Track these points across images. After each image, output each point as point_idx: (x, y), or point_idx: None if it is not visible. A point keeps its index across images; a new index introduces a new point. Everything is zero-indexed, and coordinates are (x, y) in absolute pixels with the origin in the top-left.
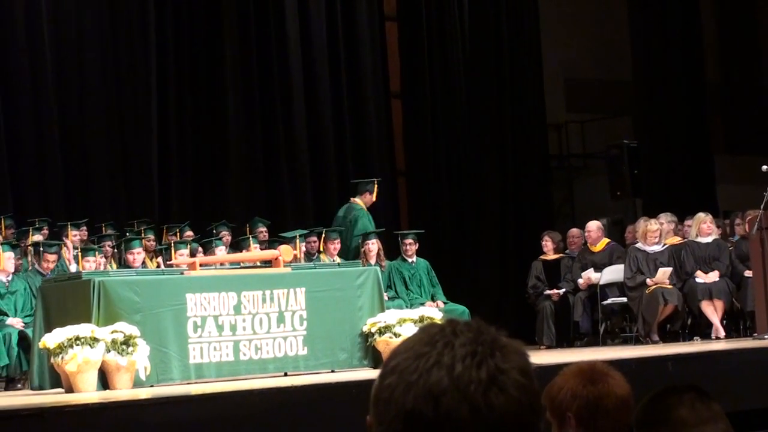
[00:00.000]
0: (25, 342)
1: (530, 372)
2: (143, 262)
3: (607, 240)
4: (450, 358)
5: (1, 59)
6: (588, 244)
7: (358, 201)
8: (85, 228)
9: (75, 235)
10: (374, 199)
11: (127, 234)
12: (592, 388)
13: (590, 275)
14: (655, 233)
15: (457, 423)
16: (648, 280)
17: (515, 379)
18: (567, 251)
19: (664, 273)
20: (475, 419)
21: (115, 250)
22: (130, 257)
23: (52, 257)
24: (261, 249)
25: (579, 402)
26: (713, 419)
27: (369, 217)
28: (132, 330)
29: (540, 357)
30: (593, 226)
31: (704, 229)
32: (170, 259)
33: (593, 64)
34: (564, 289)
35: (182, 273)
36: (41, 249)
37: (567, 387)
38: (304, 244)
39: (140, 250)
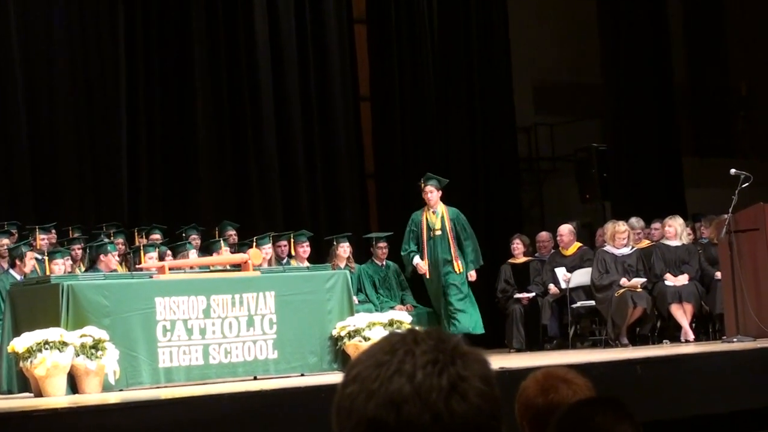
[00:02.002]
0: None
1: (491, 379)
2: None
3: (578, 244)
4: (411, 365)
5: None
6: (560, 248)
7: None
8: (53, 231)
9: (43, 239)
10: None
11: (102, 238)
12: (543, 399)
13: (561, 277)
14: (624, 234)
15: (419, 430)
16: (622, 281)
17: (476, 387)
18: (536, 254)
19: (633, 285)
20: (437, 426)
21: (86, 253)
22: (112, 259)
23: (30, 263)
24: (230, 252)
25: (531, 412)
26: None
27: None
28: (101, 334)
29: (509, 360)
30: (565, 229)
31: (676, 232)
32: (139, 263)
33: (562, 67)
34: (533, 293)
35: (151, 277)
36: (22, 253)
37: (524, 395)
38: (273, 247)
39: (116, 253)
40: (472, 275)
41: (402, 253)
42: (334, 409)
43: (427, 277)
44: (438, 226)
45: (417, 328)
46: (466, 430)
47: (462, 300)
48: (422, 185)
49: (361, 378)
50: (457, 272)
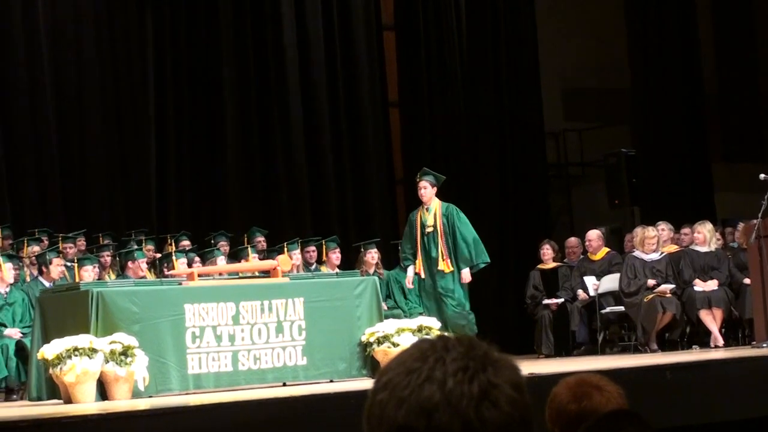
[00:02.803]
0: (22, 353)
1: (522, 386)
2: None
3: (607, 249)
4: (442, 373)
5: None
6: (588, 253)
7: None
8: (83, 239)
9: (72, 247)
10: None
11: (131, 244)
12: (575, 406)
13: (591, 285)
14: (653, 240)
15: None
16: (649, 281)
17: (507, 394)
18: (565, 260)
19: (664, 288)
20: None
21: (116, 260)
22: (142, 266)
23: (57, 270)
24: (259, 259)
25: (563, 418)
26: None
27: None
28: (130, 340)
29: (538, 366)
30: (594, 235)
31: (705, 238)
32: (169, 269)
33: (591, 73)
34: (562, 299)
35: (180, 283)
36: (48, 259)
37: (556, 402)
38: (301, 253)
39: (144, 260)
40: (465, 276)
41: (401, 257)
42: (365, 416)
43: (422, 277)
44: (431, 223)
45: (447, 334)
46: None
47: (455, 307)
48: (417, 180)
49: (391, 385)
50: (446, 271)
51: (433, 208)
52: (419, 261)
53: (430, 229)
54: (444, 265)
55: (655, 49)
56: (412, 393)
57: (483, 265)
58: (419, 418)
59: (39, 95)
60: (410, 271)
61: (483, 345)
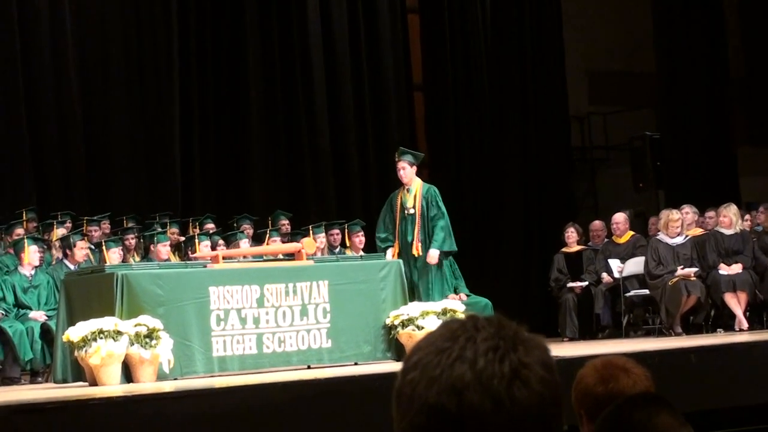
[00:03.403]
0: (48, 335)
1: (552, 366)
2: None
3: (631, 232)
4: (472, 352)
5: (24, 53)
6: (613, 236)
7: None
8: (107, 221)
9: (96, 230)
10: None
11: (156, 227)
12: (603, 388)
13: (615, 268)
14: (677, 223)
15: (481, 417)
16: (678, 270)
17: (537, 373)
18: (589, 243)
19: (688, 272)
20: (498, 413)
21: (140, 241)
22: (162, 249)
23: (81, 253)
24: (283, 242)
25: (589, 400)
26: (685, 425)
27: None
28: (155, 323)
29: (562, 349)
30: (620, 217)
31: (731, 221)
32: (193, 252)
33: (616, 56)
34: (586, 282)
35: (205, 266)
36: (72, 242)
37: (582, 384)
38: (326, 235)
39: (167, 243)
40: (431, 256)
41: (377, 239)
42: (395, 396)
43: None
44: (410, 204)
45: (477, 314)
46: (528, 417)
47: (427, 297)
48: (396, 161)
49: (422, 365)
50: (416, 255)
51: (414, 189)
52: (397, 245)
53: (411, 211)
54: (416, 250)
55: (681, 32)
56: (442, 372)
57: (450, 254)
58: (450, 398)
59: (64, 81)
60: (389, 253)
61: (513, 325)
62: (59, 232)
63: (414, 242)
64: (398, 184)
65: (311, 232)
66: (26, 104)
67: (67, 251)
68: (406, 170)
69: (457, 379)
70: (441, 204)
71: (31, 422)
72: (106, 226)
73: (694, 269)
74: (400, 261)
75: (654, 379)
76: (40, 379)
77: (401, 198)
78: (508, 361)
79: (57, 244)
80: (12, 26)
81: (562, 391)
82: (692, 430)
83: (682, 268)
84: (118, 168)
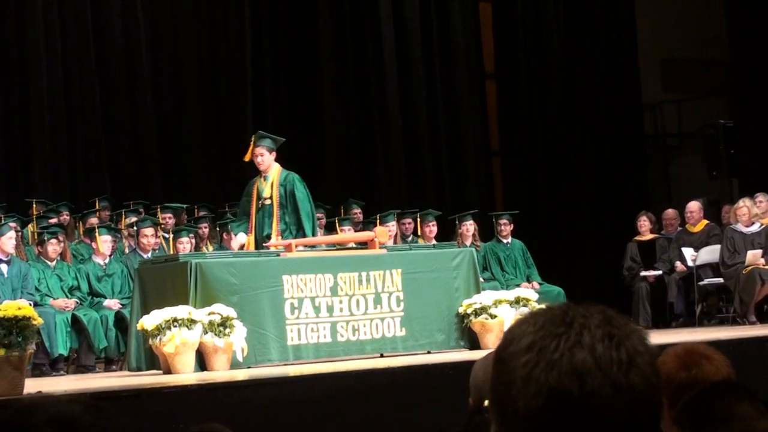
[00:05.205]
0: (122, 323)
1: (656, 355)
2: None
3: (705, 221)
4: (589, 338)
5: (97, 44)
6: (686, 225)
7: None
8: (183, 211)
9: (170, 217)
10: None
11: (229, 216)
12: (686, 374)
13: (689, 257)
14: (743, 211)
15: (600, 401)
16: (749, 254)
17: (649, 361)
18: (662, 232)
19: (754, 255)
20: (617, 398)
21: (217, 230)
22: (233, 238)
23: (153, 241)
24: (355, 230)
25: (671, 387)
26: (765, 416)
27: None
28: (229, 312)
29: None
30: (694, 206)
31: None
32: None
33: (689, 44)
34: (660, 271)
35: (278, 255)
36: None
37: (664, 370)
38: (397, 224)
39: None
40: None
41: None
42: (499, 379)
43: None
44: (267, 194)
45: (572, 303)
46: (642, 402)
47: None
48: (252, 145)
49: (537, 348)
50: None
51: (271, 177)
52: (251, 237)
53: (267, 202)
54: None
55: (754, 19)
56: (563, 356)
57: None
58: (572, 382)
59: (136, 69)
60: (242, 236)
61: (617, 314)
62: (132, 220)
63: (272, 236)
64: (469, 174)
65: (380, 220)
66: (100, 94)
67: (140, 240)
68: (265, 156)
69: (579, 363)
70: (303, 190)
71: (105, 410)
72: (183, 217)
73: (759, 251)
74: (473, 250)
75: (733, 367)
76: (114, 367)
77: (257, 187)
78: (624, 349)
79: (127, 232)
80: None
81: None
82: None
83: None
84: (191, 157)
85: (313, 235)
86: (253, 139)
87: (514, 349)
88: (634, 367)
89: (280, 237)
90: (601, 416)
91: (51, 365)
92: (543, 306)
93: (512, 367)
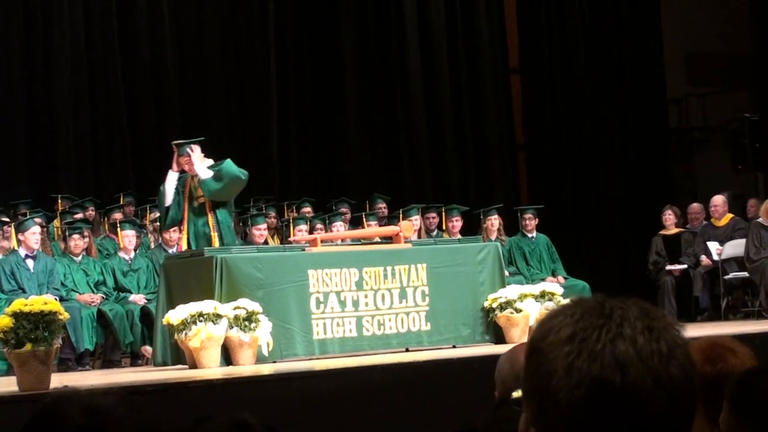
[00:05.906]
0: (147, 318)
1: (690, 348)
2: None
3: (731, 215)
4: (630, 330)
5: (123, 43)
6: (712, 219)
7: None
8: None
9: None
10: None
11: (253, 210)
12: (711, 368)
13: (714, 251)
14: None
15: (641, 392)
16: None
17: (687, 354)
18: (687, 226)
19: None
20: (657, 390)
21: (241, 225)
22: (256, 233)
23: (175, 235)
24: (380, 225)
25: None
26: None
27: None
28: (254, 306)
29: None
30: (719, 200)
31: None
32: (289, 236)
33: (714, 38)
34: (685, 265)
35: (303, 249)
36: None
37: None
38: (422, 219)
39: (265, 226)
40: None
41: (161, 222)
42: (537, 369)
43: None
44: (199, 194)
45: (606, 296)
46: (681, 394)
47: None
48: (177, 156)
49: (579, 338)
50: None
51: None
52: (185, 234)
53: (201, 201)
54: (217, 241)
55: None
56: (604, 347)
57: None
58: (614, 372)
59: (161, 64)
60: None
61: (654, 307)
62: (154, 216)
63: (211, 234)
64: (494, 169)
65: (403, 215)
66: (125, 89)
67: (164, 235)
68: (196, 164)
69: (621, 354)
70: (228, 168)
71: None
72: None
73: None
74: (498, 244)
75: (757, 360)
76: (140, 361)
77: (190, 186)
78: (664, 341)
79: (151, 227)
80: (112, 30)
81: None
82: None
83: None
84: (216, 154)
85: (216, 180)
86: (176, 149)
87: (554, 339)
88: (674, 359)
89: (216, 235)
90: (641, 407)
91: (77, 360)
92: (574, 298)
93: (553, 357)
